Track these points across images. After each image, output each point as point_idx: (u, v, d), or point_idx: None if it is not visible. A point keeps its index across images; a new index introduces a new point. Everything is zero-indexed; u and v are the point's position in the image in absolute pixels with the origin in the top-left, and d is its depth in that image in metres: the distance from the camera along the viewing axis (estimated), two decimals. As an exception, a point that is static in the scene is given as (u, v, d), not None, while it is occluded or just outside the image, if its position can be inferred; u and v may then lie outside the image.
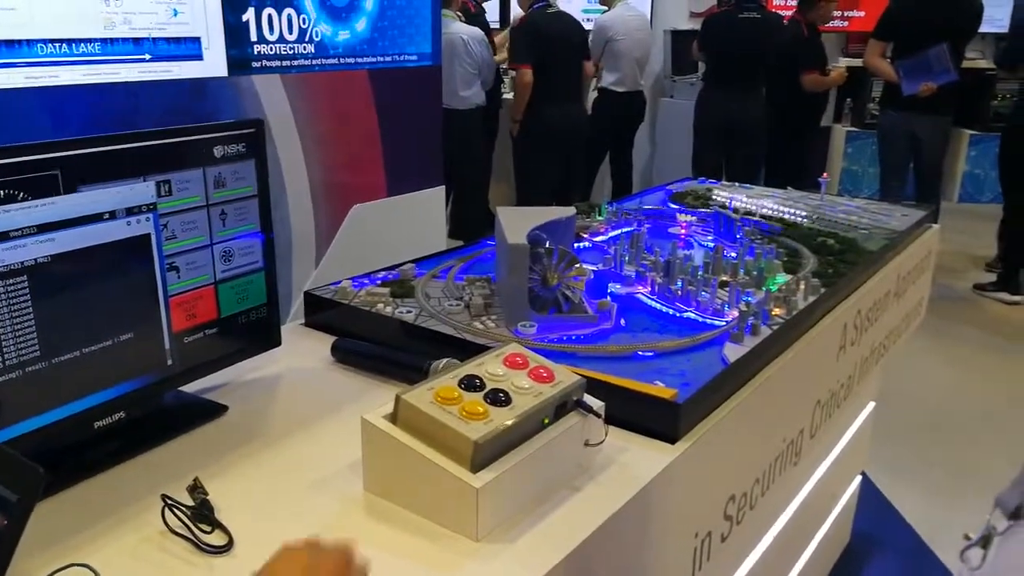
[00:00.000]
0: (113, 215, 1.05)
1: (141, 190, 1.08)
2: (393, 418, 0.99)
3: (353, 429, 1.02)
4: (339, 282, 1.53)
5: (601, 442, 1.08)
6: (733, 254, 1.75)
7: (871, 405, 2.37)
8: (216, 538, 0.92)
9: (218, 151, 1.17)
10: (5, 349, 0.96)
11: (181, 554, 0.91)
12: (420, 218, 1.98)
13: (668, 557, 1.18)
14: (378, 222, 1.85)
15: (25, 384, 0.98)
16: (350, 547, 0.76)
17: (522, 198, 5.05)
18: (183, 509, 0.94)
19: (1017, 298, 4.83)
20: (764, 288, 1.58)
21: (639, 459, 1.10)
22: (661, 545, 1.14)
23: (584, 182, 5.50)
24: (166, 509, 0.94)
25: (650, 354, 1.31)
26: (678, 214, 2.13)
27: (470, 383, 1.01)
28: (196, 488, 0.97)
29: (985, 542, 0.82)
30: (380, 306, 1.45)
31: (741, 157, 5.12)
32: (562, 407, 1.04)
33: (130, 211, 1.07)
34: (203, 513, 0.94)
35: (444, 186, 2.05)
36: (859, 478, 2.50)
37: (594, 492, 1.03)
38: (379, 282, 1.56)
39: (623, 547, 1.04)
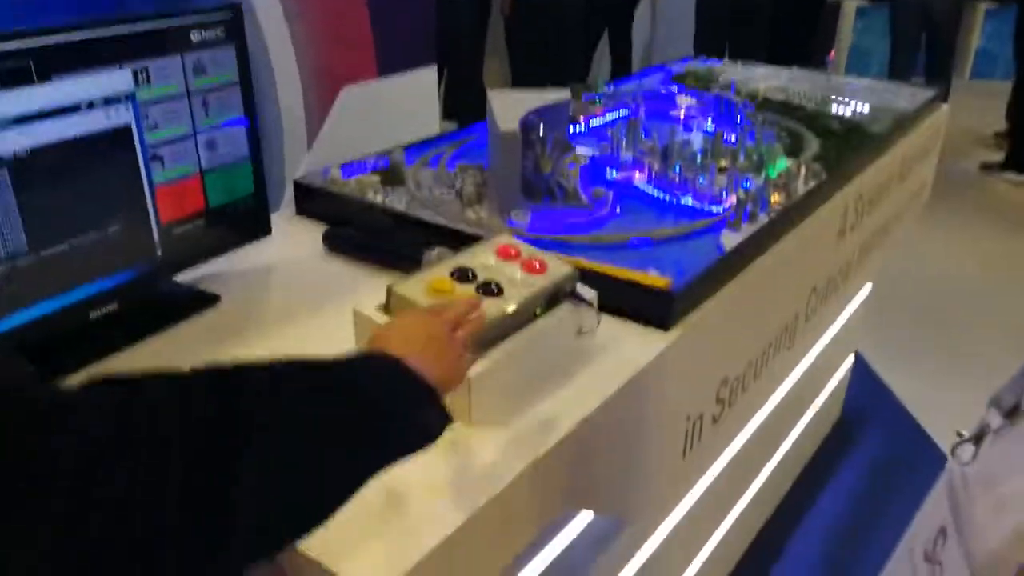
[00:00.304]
0: (91, 105, 1.02)
1: (118, 78, 1.05)
2: (386, 309, 0.99)
3: (346, 319, 1.02)
4: (329, 169, 1.51)
5: (594, 331, 1.08)
6: (733, 138, 1.71)
7: (868, 286, 2.37)
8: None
9: (195, 36, 1.13)
10: (-8, 243, 0.95)
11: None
12: (412, 99, 1.93)
13: (659, 439, 1.20)
14: (369, 104, 1.80)
15: (16, 276, 0.98)
16: (459, 319, 0.85)
17: (516, 80, 4.90)
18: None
19: (1024, 177, 4.75)
20: (764, 174, 1.55)
21: (632, 346, 1.11)
22: (652, 428, 1.16)
23: (581, 63, 5.33)
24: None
25: (646, 243, 1.30)
26: (678, 96, 2.07)
27: (462, 274, 1.01)
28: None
29: (978, 439, 0.81)
30: (371, 194, 1.43)
31: (745, 33, 4.93)
32: (555, 297, 1.04)
33: (108, 100, 1.04)
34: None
35: (436, 66, 1.98)
36: (852, 357, 2.53)
37: (588, 379, 1.04)
38: (370, 169, 1.53)
39: (615, 431, 1.06)
